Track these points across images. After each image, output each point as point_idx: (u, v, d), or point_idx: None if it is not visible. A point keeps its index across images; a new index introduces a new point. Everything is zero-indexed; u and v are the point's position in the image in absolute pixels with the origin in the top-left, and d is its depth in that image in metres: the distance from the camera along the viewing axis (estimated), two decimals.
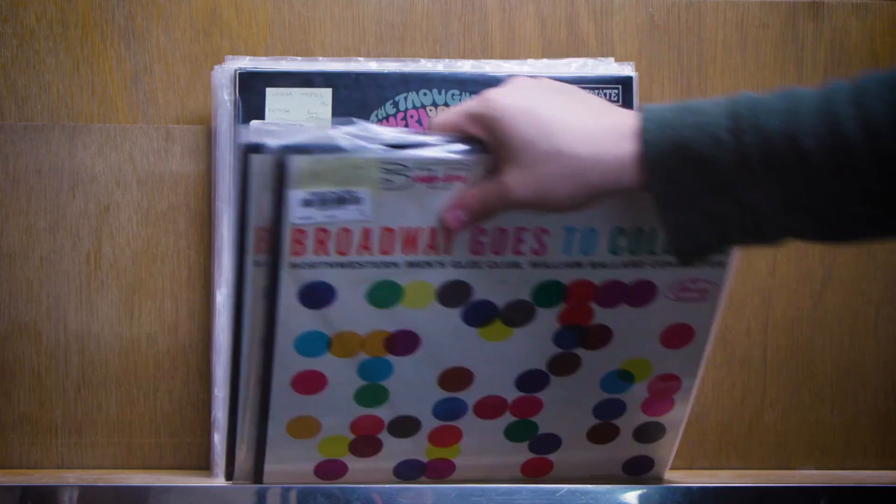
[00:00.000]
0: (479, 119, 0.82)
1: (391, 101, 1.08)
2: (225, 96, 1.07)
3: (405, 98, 1.08)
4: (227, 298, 1.04)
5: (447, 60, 1.09)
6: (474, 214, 0.84)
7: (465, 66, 1.09)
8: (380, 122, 1.08)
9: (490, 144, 0.82)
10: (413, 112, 1.08)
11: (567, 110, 0.80)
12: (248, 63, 1.08)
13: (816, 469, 1.11)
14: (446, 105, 1.08)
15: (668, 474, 1.03)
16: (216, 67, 1.07)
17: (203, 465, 1.08)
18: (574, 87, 0.83)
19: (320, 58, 1.10)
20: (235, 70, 1.07)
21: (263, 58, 1.09)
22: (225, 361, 0.97)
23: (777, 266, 1.12)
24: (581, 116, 0.79)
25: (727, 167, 0.75)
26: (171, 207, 1.10)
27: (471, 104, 0.83)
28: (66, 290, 1.09)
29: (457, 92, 1.08)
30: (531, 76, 0.85)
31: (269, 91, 1.07)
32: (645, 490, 0.96)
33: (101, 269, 1.09)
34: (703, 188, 0.76)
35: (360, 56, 1.13)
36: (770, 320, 1.12)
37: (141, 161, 1.10)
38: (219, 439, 1.04)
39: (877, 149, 0.71)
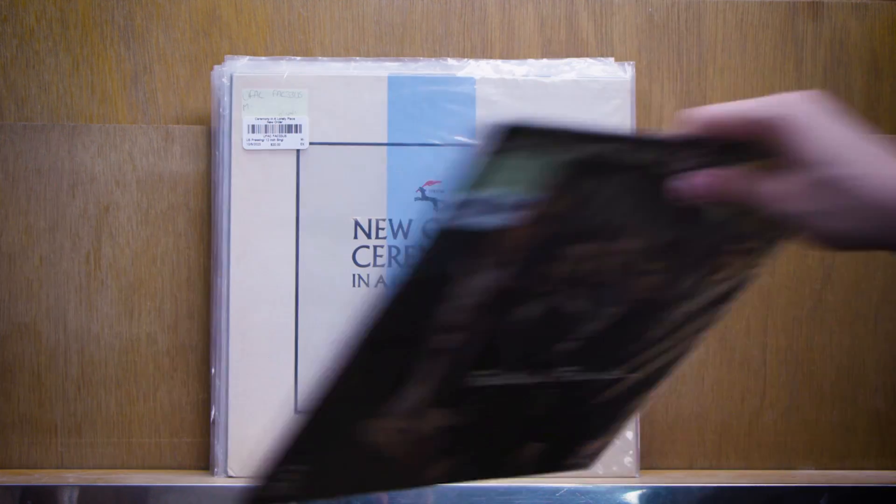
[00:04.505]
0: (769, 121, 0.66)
1: None
2: (225, 96, 1.07)
3: None
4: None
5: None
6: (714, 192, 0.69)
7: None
8: None
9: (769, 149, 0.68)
10: None
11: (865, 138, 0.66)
12: (247, 63, 1.08)
13: (816, 469, 1.11)
14: None
15: (669, 474, 1.03)
16: (216, 67, 1.07)
17: (203, 465, 1.08)
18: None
19: (320, 58, 1.09)
20: (235, 70, 1.07)
21: (263, 58, 1.09)
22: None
23: (777, 266, 1.12)
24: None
25: None
26: (171, 207, 1.10)
27: (760, 105, 0.67)
28: (66, 290, 1.09)
29: None
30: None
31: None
32: (645, 490, 0.96)
33: (101, 269, 1.09)
34: None
35: (359, 56, 1.13)
36: (770, 320, 1.12)
37: (141, 161, 1.10)
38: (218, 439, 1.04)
39: None
